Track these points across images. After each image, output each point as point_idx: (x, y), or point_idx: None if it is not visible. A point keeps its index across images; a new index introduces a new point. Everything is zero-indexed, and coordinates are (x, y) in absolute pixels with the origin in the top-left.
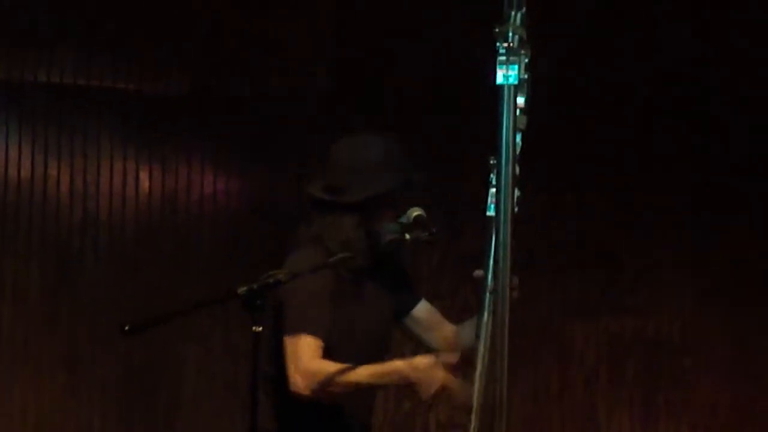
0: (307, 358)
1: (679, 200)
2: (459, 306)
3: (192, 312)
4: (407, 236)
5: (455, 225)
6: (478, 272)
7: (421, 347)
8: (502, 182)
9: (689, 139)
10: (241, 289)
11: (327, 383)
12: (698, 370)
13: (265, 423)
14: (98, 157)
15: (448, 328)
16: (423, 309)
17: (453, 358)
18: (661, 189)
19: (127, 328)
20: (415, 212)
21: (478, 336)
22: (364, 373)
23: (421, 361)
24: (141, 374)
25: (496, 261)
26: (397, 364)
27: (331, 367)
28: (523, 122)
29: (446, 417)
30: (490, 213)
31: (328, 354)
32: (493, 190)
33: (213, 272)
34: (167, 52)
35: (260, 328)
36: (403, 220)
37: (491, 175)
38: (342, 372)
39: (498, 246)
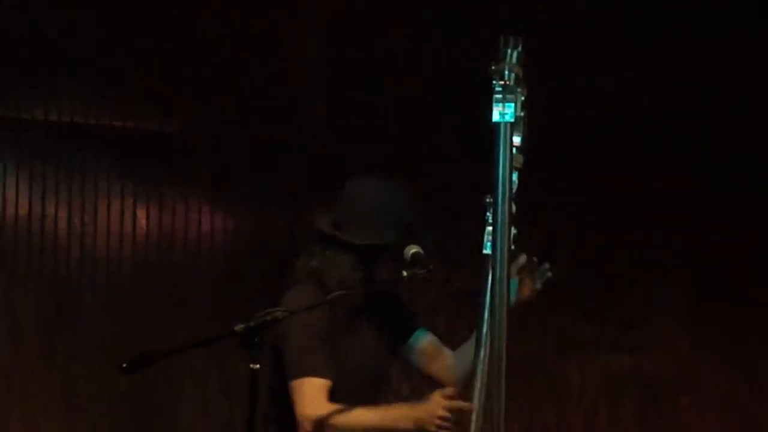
0: (315, 404)
1: (677, 239)
2: (456, 344)
3: (189, 350)
4: (405, 273)
5: (450, 262)
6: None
7: (427, 381)
8: (498, 220)
9: (686, 179)
10: (239, 327)
11: (334, 427)
12: (695, 408)
13: None
14: (96, 195)
15: (448, 357)
16: (422, 338)
17: (451, 391)
18: (657, 228)
19: (124, 365)
20: (413, 249)
21: (474, 372)
22: (373, 416)
23: (420, 403)
24: (137, 412)
25: (492, 298)
26: (402, 407)
27: (340, 411)
28: (519, 161)
29: None
30: (487, 251)
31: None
32: (490, 228)
33: (210, 310)
34: (164, 91)
35: (258, 366)
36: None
37: (488, 213)
38: (352, 417)
39: (494, 283)
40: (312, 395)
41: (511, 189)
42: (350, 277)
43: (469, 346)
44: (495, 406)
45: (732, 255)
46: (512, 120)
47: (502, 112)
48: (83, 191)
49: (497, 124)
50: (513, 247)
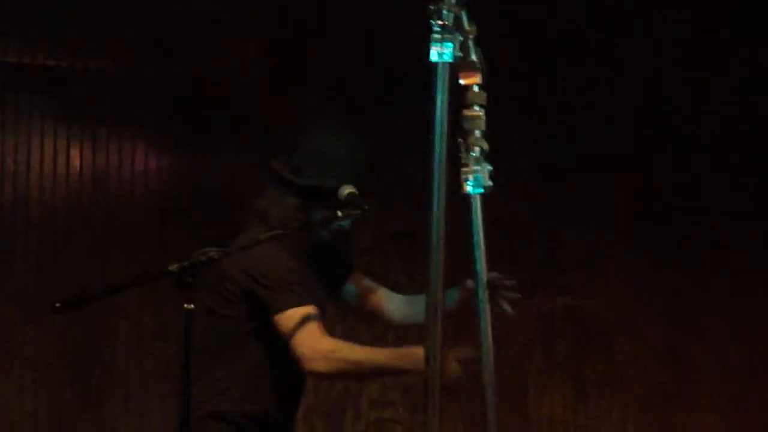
0: (319, 337)
1: (616, 181)
2: (390, 284)
3: (123, 290)
4: (339, 214)
5: (386, 204)
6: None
7: (364, 319)
8: (436, 159)
9: (628, 123)
10: (173, 267)
11: (348, 365)
12: (630, 350)
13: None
14: (29, 134)
15: (391, 296)
16: (357, 278)
17: (468, 351)
18: (596, 169)
19: (57, 305)
20: (347, 190)
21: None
22: (383, 354)
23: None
24: (72, 354)
25: (429, 238)
26: (415, 349)
27: (348, 347)
28: (482, 98)
29: (378, 394)
30: (471, 191)
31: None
32: (465, 168)
33: (144, 251)
34: (99, 30)
35: (192, 306)
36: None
37: (460, 153)
38: (359, 352)
39: (432, 224)
40: (312, 327)
41: (448, 128)
42: (292, 217)
43: (420, 299)
44: (432, 346)
45: (674, 198)
46: (450, 60)
47: (440, 52)
48: (16, 131)
49: (435, 64)
50: (491, 183)
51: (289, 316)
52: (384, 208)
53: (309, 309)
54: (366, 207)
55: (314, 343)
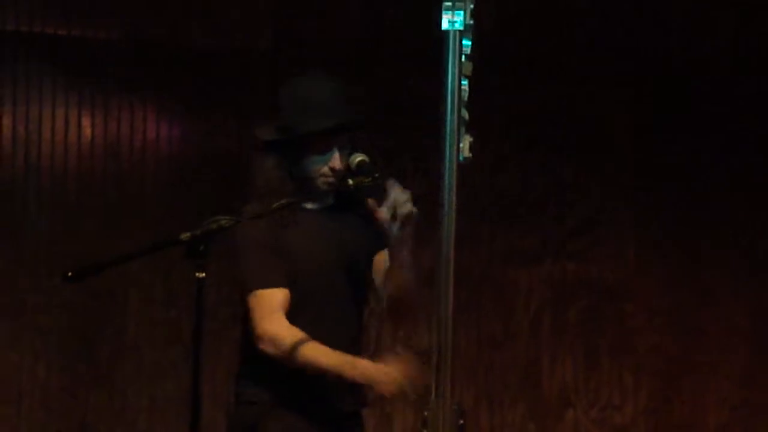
0: (274, 321)
1: (624, 147)
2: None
3: (135, 258)
4: (350, 182)
5: (396, 171)
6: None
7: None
8: (447, 129)
9: (632, 90)
10: (185, 235)
11: (288, 354)
12: (640, 315)
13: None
14: (40, 103)
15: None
16: (380, 257)
17: (414, 364)
18: (604, 138)
19: (69, 274)
20: (358, 158)
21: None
22: (326, 356)
23: (382, 366)
24: (84, 322)
25: (441, 205)
26: (363, 363)
27: (292, 334)
28: (468, 69)
29: None
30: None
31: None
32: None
33: (156, 219)
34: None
35: (203, 275)
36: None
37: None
38: (304, 344)
39: (443, 190)
40: (266, 309)
41: (460, 97)
42: (273, 177)
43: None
44: (443, 313)
45: (681, 164)
46: (461, 28)
47: (452, 20)
48: (28, 100)
49: (446, 32)
50: (471, 155)
51: (255, 296)
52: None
53: (273, 291)
54: (377, 175)
55: (269, 326)
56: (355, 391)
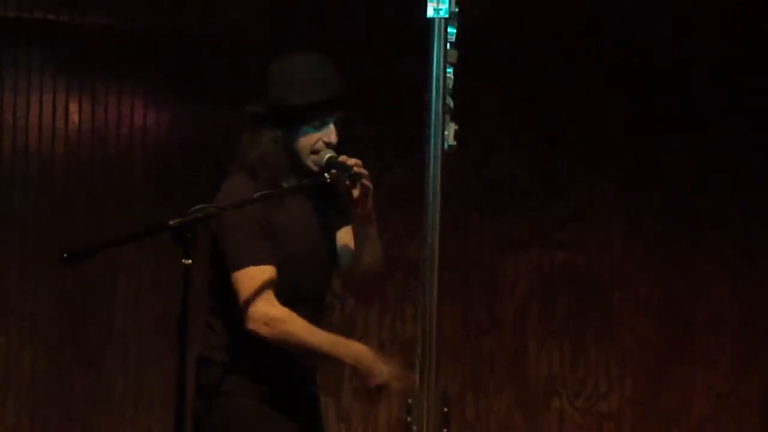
0: (264, 299)
1: (611, 137)
2: (389, 238)
3: (132, 241)
4: (327, 176)
5: (383, 159)
6: None
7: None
8: (433, 116)
9: (625, 80)
10: (174, 221)
11: (285, 336)
12: (627, 305)
13: (212, 354)
14: (28, 89)
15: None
16: (343, 232)
17: (407, 378)
18: (592, 128)
19: (65, 255)
20: (327, 154)
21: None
22: (322, 338)
23: (380, 358)
24: (71, 309)
25: (426, 194)
26: (359, 346)
27: (290, 319)
28: (453, 56)
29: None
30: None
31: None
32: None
33: (143, 206)
34: None
35: (190, 261)
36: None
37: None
38: (305, 332)
39: (428, 179)
40: (258, 288)
41: (446, 84)
42: (270, 151)
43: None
44: (427, 302)
45: (669, 154)
46: (446, 15)
47: (437, 7)
48: (15, 86)
49: (431, 19)
50: (456, 143)
51: (244, 273)
52: (383, 163)
53: (262, 268)
54: (352, 171)
55: (262, 306)
56: (312, 373)
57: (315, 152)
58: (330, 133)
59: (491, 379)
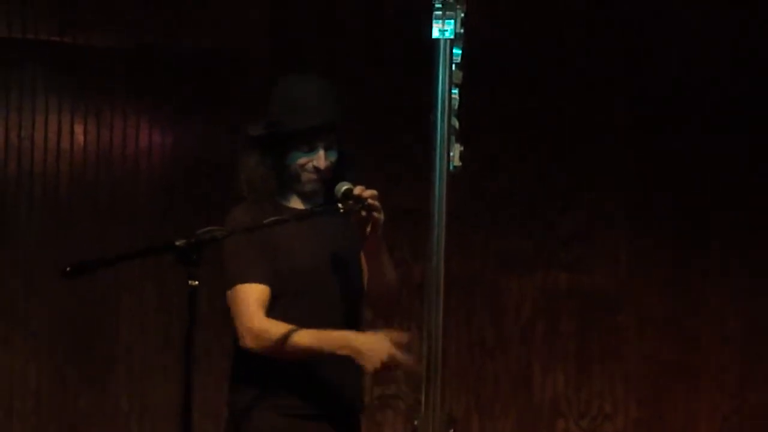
0: (253, 315)
1: (617, 156)
2: (396, 262)
3: (131, 259)
4: (340, 207)
5: (390, 178)
6: None
7: None
8: (438, 137)
9: (628, 98)
10: (180, 242)
11: (274, 345)
12: (632, 325)
13: (235, 377)
14: (33, 110)
15: None
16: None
17: (403, 336)
18: (598, 146)
19: (67, 269)
20: (344, 186)
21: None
22: (308, 336)
23: (369, 335)
24: (76, 327)
25: (432, 214)
26: (345, 333)
27: (275, 327)
28: (459, 77)
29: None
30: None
31: (281, 300)
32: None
33: (148, 227)
34: (104, 6)
35: (196, 283)
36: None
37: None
38: (287, 334)
39: (433, 199)
40: (247, 304)
41: (450, 105)
42: (256, 175)
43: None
44: (433, 322)
45: (675, 173)
46: (452, 37)
47: (442, 29)
48: (21, 107)
49: (437, 40)
50: (461, 163)
51: (235, 291)
52: (389, 183)
53: (252, 286)
54: (366, 203)
55: (247, 321)
56: (351, 390)
57: (305, 176)
58: (319, 159)
59: (496, 400)
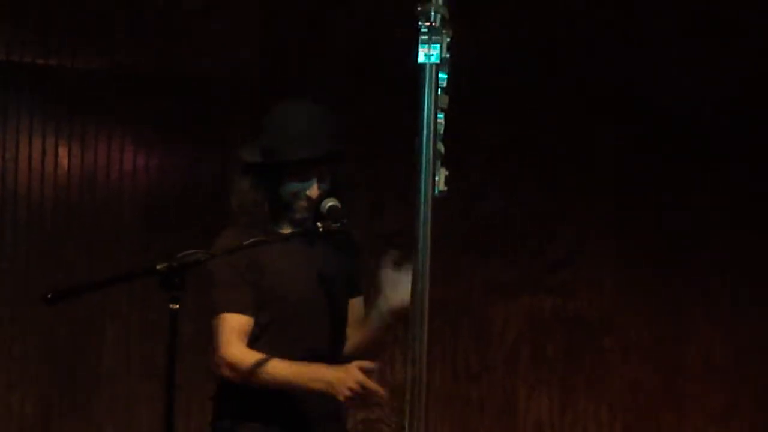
0: (230, 345)
1: (602, 182)
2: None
3: (113, 284)
4: (319, 225)
5: (375, 203)
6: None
7: None
8: (423, 161)
9: (614, 123)
10: (161, 266)
11: (248, 375)
12: (618, 350)
13: (220, 408)
14: (17, 133)
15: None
16: (355, 303)
17: (371, 365)
18: (583, 172)
19: (49, 296)
20: (330, 203)
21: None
22: (282, 369)
23: (339, 367)
24: (59, 353)
25: (416, 239)
26: (317, 367)
27: (249, 357)
28: (444, 101)
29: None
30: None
31: (267, 324)
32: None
33: (132, 251)
34: (88, 29)
35: (177, 307)
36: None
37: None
38: (267, 368)
39: (417, 224)
40: (227, 334)
41: (436, 130)
42: (249, 200)
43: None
44: (417, 348)
45: (660, 199)
46: (438, 61)
47: (428, 53)
48: (5, 130)
49: (422, 65)
50: (446, 188)
51: (217, 320)
52: (374, 208)
53: (233, 316)
54: (345, 221)
55: (223, 350)
56: (333, 416)
57: (297, 204)
58: (312, 189)
59: (481, 425)
